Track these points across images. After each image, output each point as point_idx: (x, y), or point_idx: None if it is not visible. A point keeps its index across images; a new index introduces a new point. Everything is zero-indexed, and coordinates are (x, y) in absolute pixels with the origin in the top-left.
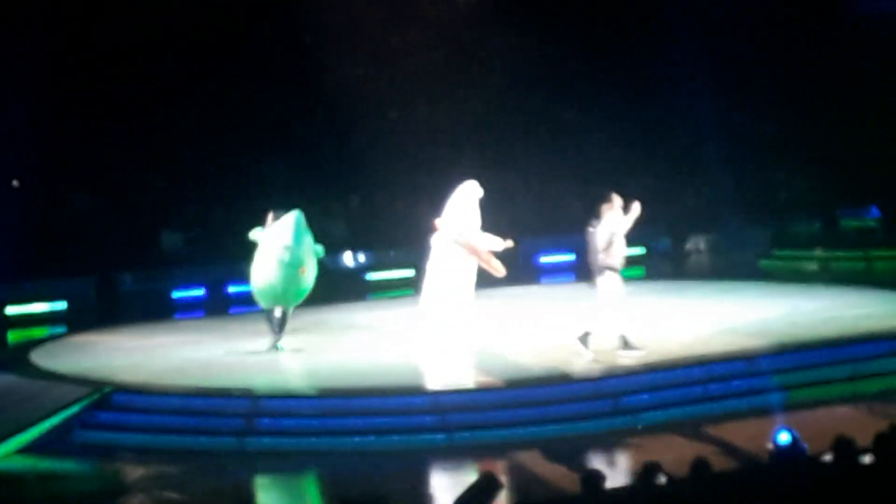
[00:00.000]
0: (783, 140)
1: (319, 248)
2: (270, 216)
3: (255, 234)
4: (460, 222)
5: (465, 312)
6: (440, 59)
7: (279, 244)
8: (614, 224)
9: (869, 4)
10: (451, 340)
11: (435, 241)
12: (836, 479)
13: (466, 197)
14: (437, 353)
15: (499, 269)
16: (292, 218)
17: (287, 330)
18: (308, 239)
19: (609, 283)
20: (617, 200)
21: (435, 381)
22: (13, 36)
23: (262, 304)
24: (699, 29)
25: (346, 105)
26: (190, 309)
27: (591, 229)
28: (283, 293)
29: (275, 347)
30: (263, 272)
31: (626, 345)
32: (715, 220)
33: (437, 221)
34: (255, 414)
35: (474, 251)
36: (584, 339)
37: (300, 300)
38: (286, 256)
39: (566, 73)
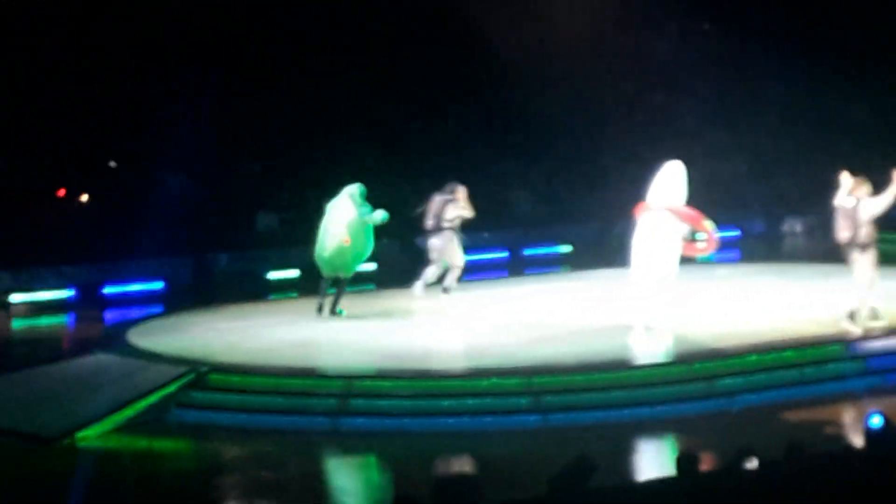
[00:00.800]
0: (877, 123)
1: (380, 214)
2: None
3: (330, 204)
4: (668, 199)
5: (669, 289)
6: (531, 40)
7: (339, 218)
8: (873, 201)
9: None
10: (654, 315)
11: (642, 219)
12: None
13: (672, 176)
14: (530, 333)
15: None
16: (353, 191)
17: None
18: (357, 211)
19: (869, 257)
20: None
21: (528, 361)
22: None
23: (322, 268)
24: (791, 8)
25: (436, 88)
26: (284, 290)
27: (843, 205)
28: (330, 261)
29: (317, 310)
30: (319, 241)
31: (875, 315)
32: (811, 202)
33: (644, 202)
34: (349, 394)
35: (689, 217)
36: (852, 316)
37: (352, 269)
38: (342, 232)
39: (655, 55)
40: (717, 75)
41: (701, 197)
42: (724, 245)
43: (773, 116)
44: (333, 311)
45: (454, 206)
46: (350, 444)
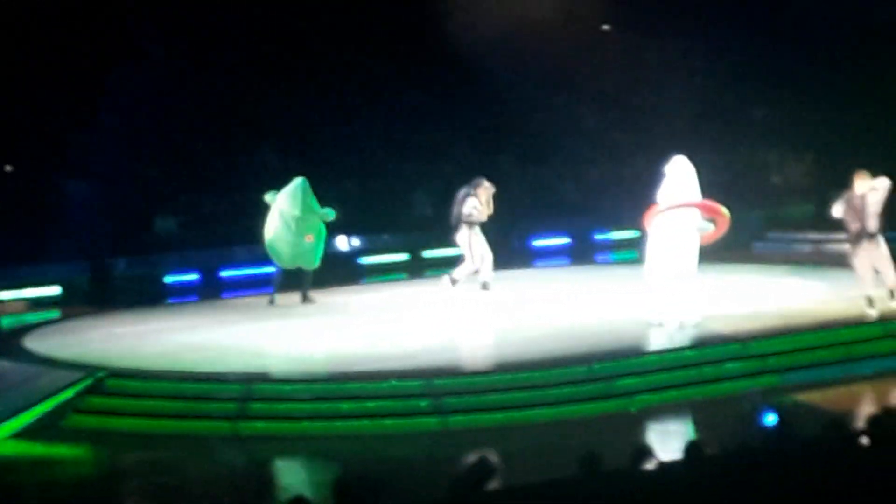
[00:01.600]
0: (775, 123)
1: (328, 212)
2: None
3: (268, 197)
4: (681, 195)
5: (690, 286)
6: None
7: (286, 211)
8: (879, 194)
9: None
10: (676, 312)
11: (653, 219)
12: (828, 460)
13: (678, 173)
14: (431, 335)
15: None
16: (297, 186)
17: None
18: (312, 205)
19: (882, 245)
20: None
21: (429, 364)
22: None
23: (275, 261)
24: (690, 13)
25: (340, 90)
26: (183, 294)
27: (853, 196)
28: (293, 257)
29: (271, 301)
30: (272, 234)
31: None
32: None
33: (655, 204)
34: (249, 398)
35: (705, 208)
36: (868, 302)
37: (315, 262)
38: (292, 225)
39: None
40: (620, 76)
41: (602, 197)
42: (626, 245)
43: (675, 117)
44: (305, 300)
45: (471, 201)
46: (250, 448)
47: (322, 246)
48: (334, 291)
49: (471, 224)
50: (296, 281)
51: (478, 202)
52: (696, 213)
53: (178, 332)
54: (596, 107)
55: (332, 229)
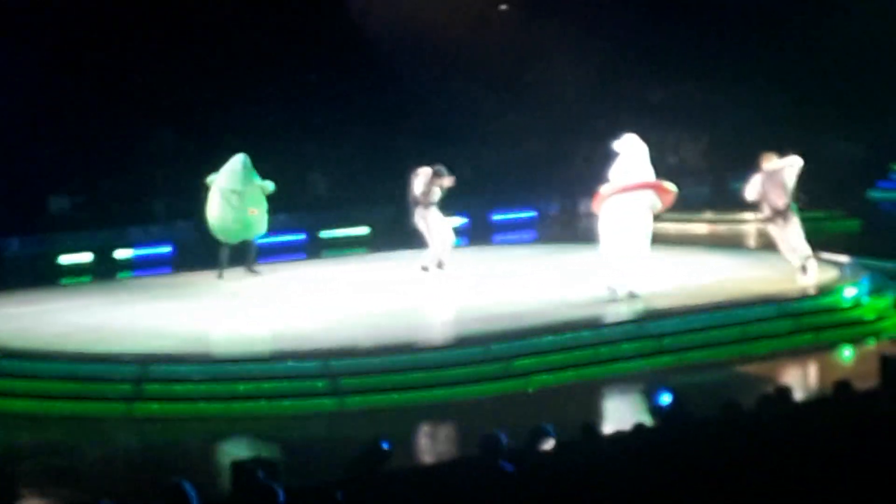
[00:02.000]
0: (672, 105)
1: (269, 184)
2: None
3: (209, 178)
4: (633, 175)
5: (643, 263)
6: (328, 20)
7: (227, 188)
8: (794, 170)
9: None
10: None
11: (606, 200)
12: (722, 439)
13: (630, 151)
14: (330, 316)
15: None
16: (238, 161)
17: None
18: (253, 179)
19: (796, 220)
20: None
21: (325, 345)
22: None
23: (221, 238)
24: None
25: (236, 70)
26: (77, 274)
27: (773, 174)
28: (238, 232)
29: (220, 276)
30: (216, 212)
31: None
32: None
33: (604, 185)
34: (144, 379)
35: (653, 186)
36: (804, 268)
37: (261, 232)
38: (234, 200)
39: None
40: (514, 58)
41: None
42: (521, 226)
43: (571, 98)
44: (252, 271)
45: (420, 179)
46: (146, 429)
47: (266, 217)
48: (230, 273)
49: (427, 205)
50: (237, 256)
51: (429, 181)
52: (649, 192)
53: (72, 312)
54: (492, 88)
55: None
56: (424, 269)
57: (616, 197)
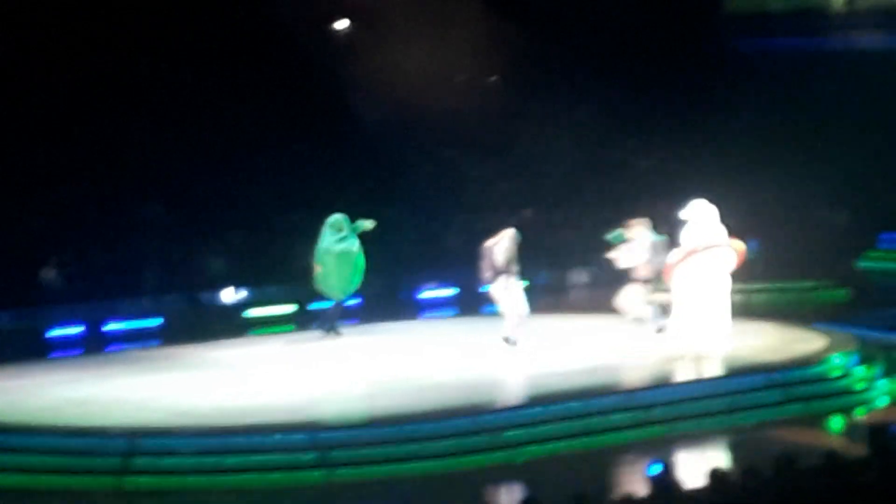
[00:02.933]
0: (660, 173)
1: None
2: None
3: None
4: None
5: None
6: (317, 91)
7: (321, 248)
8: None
9: (742, 42)
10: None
11: (675, 267)
12: None
13: (700, 216)
14: (319, 388)
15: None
16: (328, 222)
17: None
18: (329, 238)
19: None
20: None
21: (315, 417)
22: None
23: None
24: (572, 65)
25: (225, 143)
26: (67, 347)
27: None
28: (323, 287)
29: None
30: (321, 272)
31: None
32: (595, 253)
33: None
34: (133, 453)
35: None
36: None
37: (336, 292)
38: (327, 259)
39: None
40: (505, 128)
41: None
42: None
43: (562, 169)
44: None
45: (503, 247)
46: (135, 503)
47: (348, 279)
48: (220, 344)
49: (511, 272)
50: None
51: (513, 245)
52: (726, 253)
53: (61, 385)
54: (482, 157)
55: (218, 281)
56: (507, 340)
57: (689, 261)
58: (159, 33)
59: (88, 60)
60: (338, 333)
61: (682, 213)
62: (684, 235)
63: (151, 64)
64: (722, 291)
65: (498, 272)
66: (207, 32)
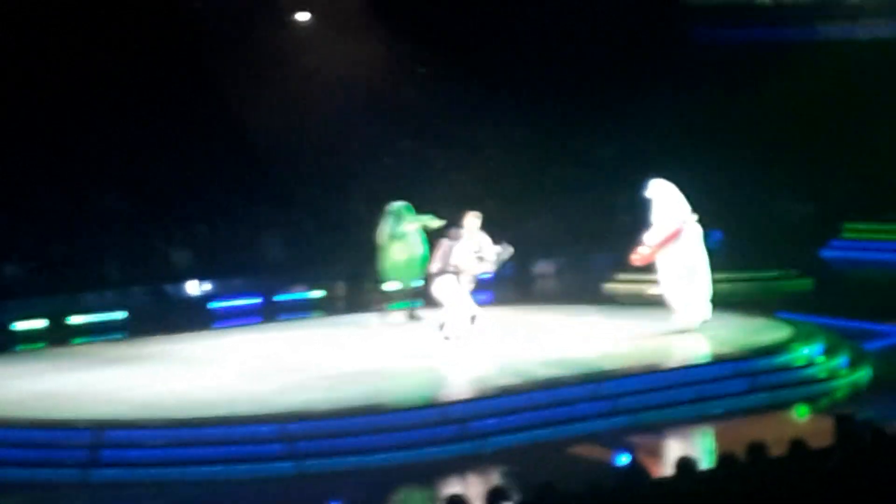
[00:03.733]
0: (623, 163)
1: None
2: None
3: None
4: (666, 222)
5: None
6: (281, 87)
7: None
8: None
9: (705, 34)
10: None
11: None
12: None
13: (659, 195)
14: (286, 379)
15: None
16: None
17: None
18: (392, 225)
19: None
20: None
21: (282, 408)
22: None
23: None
24: (534, 55)
25: (188, 134)
26: (31, 341)
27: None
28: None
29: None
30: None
31: None
32: (559, 244)
33: (646, 235)
34: (99, 445)
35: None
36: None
37: (398, 277)
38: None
39: (403, 102)
40: (467, 119)
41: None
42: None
43: (523, 160)
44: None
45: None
46: (102, 495)
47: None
48: (185, 337)
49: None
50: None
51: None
52: (694, 228)
53: (25, 378)
54: (442, 148)
55: (183, 274)
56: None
57: (673, 241)
58: (118, 20)
59: (46, 49)
60: (415, 317)
61: (646, 193)
62: (655, 215)
63: (110, 53)
64: (703, 264)
65: (448, 269)
66: (166, 16)
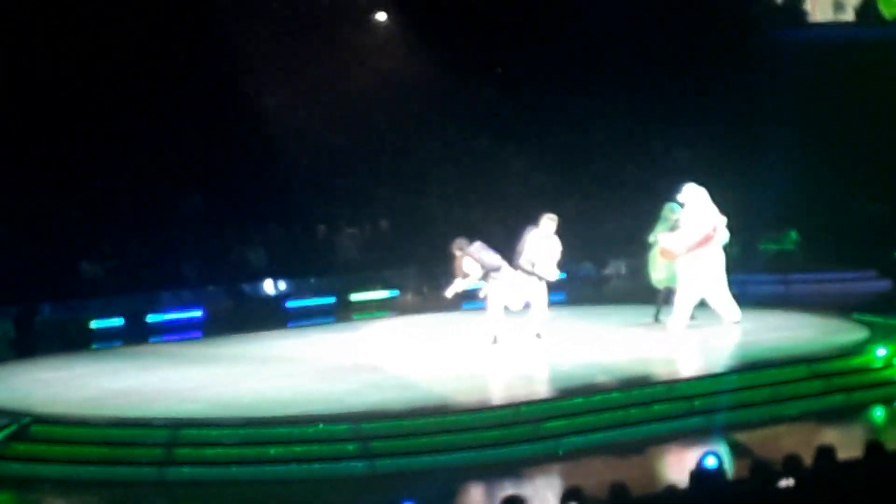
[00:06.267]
0: (699, 165)
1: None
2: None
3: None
4: (699, 225)
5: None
6: (357, 88)
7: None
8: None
9: (781, 32)
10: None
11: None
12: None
13: (695, 200)
14: (361, 378)
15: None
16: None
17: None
18: (660, 227)
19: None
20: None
21: (356, 408)
22: None
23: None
24: (611, 57)
25: (263, 136)
26: (108, 339)
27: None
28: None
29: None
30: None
31: None
32: (634, 244)
33: (666, 242)
34: (175, 443)
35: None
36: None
37: (658, 282)
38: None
39: (480, 102)
40: (544, 120)
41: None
42: (553, 287)
43: (600, 160)
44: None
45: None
46: (177, 493)
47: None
48: (260, 336)
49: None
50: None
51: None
52: (721, 234)
53: (103, 377)
54: (519, 148)
55: (259, 273)
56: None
57: (701, 246)
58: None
59: (133, 53)
60: (658, 321)
61: (680, 197)
62: (685, 219)
63: (196, 57)
64: (723, 274)
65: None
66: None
